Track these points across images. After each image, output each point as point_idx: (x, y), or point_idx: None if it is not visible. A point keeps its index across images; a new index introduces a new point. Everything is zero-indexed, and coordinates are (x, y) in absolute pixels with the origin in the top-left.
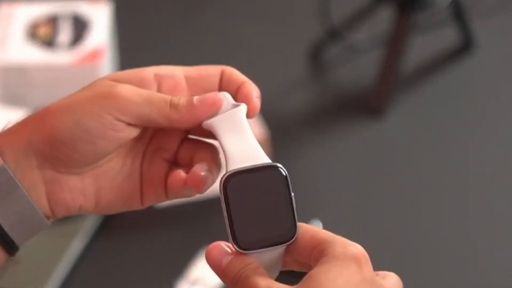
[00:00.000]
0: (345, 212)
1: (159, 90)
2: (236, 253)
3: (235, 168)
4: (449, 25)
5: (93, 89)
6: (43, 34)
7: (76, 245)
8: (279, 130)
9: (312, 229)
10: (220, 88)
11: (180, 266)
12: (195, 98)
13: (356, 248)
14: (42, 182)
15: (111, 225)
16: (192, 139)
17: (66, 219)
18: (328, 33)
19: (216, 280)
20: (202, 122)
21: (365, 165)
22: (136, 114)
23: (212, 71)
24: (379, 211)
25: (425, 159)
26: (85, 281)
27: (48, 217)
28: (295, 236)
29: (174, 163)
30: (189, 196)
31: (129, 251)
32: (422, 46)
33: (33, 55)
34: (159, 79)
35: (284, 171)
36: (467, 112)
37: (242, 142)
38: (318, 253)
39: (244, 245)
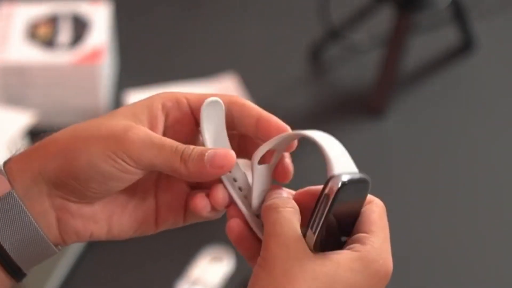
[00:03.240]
0: None
1: (165, 123)
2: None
3: (345, 172)
4: (449, 25)
5: (110, 126)
6: (43, 34)
7: (76, 245)
8: None
9: (372, 214)
10: (228, 119)
11: (180, 266)
12: (207, 154)
13: (386, 264)
14: (52, 209)
15: None
16: None
17: None
18: (328, 33)
19: (216, 280)
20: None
21: (365, 165)
22: (147, 164)
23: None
24: None
25: (425, 158)
26: (85, 281)
27: (57, 244)
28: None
29: (194, 186)
30: (209, 219)
31: (129, 251)
32: (422, 46)
33: (33, 55)
34: (166, 111)
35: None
36: (467, 111)
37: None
38: (364, 236)
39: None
